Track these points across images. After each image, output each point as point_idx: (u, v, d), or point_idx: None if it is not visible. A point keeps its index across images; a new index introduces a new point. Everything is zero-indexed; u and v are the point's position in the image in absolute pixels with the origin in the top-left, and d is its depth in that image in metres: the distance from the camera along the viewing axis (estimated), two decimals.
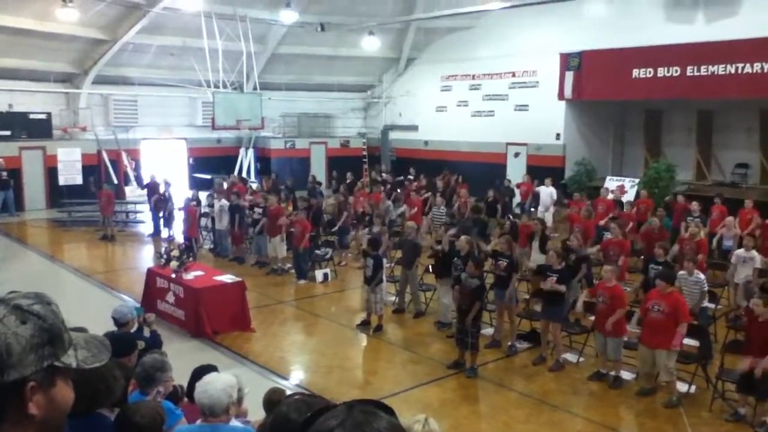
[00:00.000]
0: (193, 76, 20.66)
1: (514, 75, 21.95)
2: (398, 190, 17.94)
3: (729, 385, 7.18)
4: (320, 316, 10.75)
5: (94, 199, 17.26)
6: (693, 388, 7.61)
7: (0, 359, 1.13)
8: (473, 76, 23.22)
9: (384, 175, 20.98)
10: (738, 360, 7.19)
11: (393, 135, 26.37)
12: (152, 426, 2.96)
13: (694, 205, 13.38)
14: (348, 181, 18.97)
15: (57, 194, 19.79)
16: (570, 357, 8.69)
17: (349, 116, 27.01)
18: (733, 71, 16.22)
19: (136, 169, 21.71)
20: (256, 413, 4.44)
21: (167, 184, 16.54)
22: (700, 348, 8.09)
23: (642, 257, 11.52)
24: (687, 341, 7.88)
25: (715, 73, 16.53)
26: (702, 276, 8.92)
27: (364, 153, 26.22)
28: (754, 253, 10.08)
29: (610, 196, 15.20)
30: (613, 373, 7.93)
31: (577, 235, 10.21)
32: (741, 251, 10.19)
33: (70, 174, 20.24)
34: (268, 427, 2.01)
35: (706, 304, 9.00)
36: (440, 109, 24.44)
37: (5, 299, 1.20)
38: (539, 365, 8.49)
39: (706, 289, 8.86)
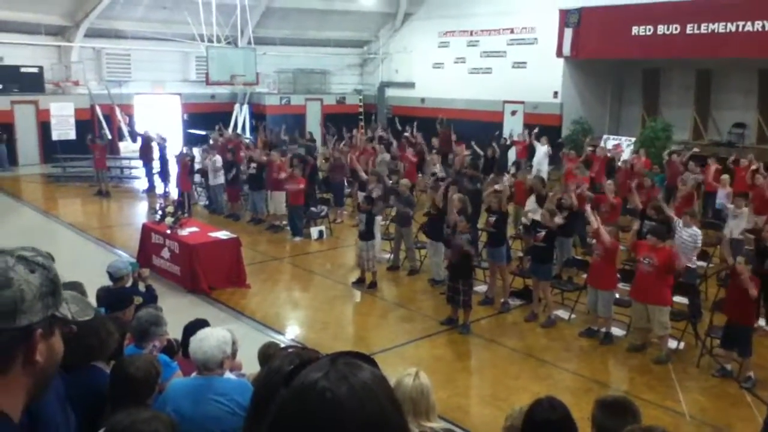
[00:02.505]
0: (186, 30, 20.33)
1: (512, 32, 21.65)
2: (394, 147, 17.83)
3: (717, 342, 7.29)
4: (315, 273, 10.81)
5: (87, 154, 17.16)
6: (682, 345, 7.74)
7: (14, 304, 1.16)
8: (471, 32, 22.91)
9: (380, 131, 20.83)
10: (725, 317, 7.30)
11: (389, 92, 26.13)
12: (147, 378, 3.00)
13: (692, 165, 13.37)
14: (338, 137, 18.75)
15: (50, 149, 19.64)
16: (562, 314, 8.79)
17: (345, 73, 26.71)
18: (733, 29, 16.02)
19: (130, 124, 21.54)
20: (252, 367, 4.51)
21: (161, 140, 16.44)
22: (690, 306, 8.20)
23: (630, 215, 11.56)
24: (677, 299, 7.99)
25: (716, 31, 16.33)
26: (698, 230, 8.89)
27: (361, 110, 26.02)
28: (745, 210, 10.13)
29: (609, 155, 15.20)
30: (603, 329, 8.04)
31: (571, 193, 10.20)
32: (733, 207, 10.27)
33: (64, 129, 20.05)
34: (262, 379, 2.03)
35: (695, 263, 9.02)
36: (437, 65, 24.17)
37: (7, 250, 1.24)
38: (531, 322, 8.60)
39: (699, 244, 8.86)
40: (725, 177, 12.28)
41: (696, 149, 14.90)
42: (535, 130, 17.69)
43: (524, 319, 8.70)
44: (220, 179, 14.31)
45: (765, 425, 5.81)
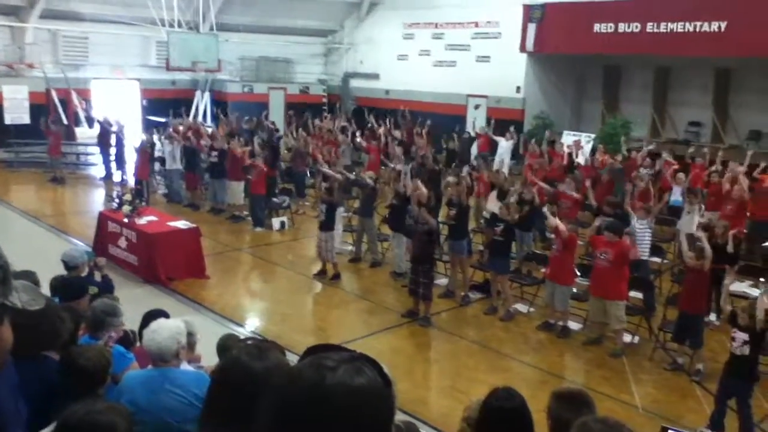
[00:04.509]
0: (146, 13, 19.85)
1: (477, 25, 21.75)
2: (358, 139, 17.79)
3: (670, 336, 7.48)
4: (276, 264, 10.74)
5: (42, 139, 16.69)
6: (636, 339, 7.92)
7: None
8: (436, 24, 22.94)
9: (343, 121, 20.76)
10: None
11: (354, 83, 26.02)
12: (97, 369, 2.94)
13: (647, 161, 13.66)
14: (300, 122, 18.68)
15: (3, 133, 19.02)
16: (521, 307, 8.91)
17: (310, 62, 26.46)
18: (691, 29, 16.39)
19: (87, 109, 20.99)
20: (211, 359, 4.45)
21: (119, 126, 16.09)
22: (644, 300, 8.39)
23: (590, 211, 11.77)
24: (632, 294, 8.16)
25: (675, 30, 16.69)
26: (649, 224, 9.10)
27: (324, 100, 25.86)
28: (699, 206, 10.35)
29: (567, 150, 15.42)
30: (561, 323, 8.18)
31: (530, 188, 10.33)
32: (686, 203, 10.48)
33: (17, 113, 19.42)
34: (219, 369, 2.02)
35: (647, 256, 9.21)
36: (402, 57, 24.16)
37: None
38: (491, 315, 8.69)
39: (647, 237, 9.07)
40: (681, 175, 12.56)
41: (651, 146, 15.13)
42: (488, 125, 17.82)
43: (484, 312, 8.79)
44: (177, 165, 14.09)
45: (712, 416, 6.01)
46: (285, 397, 1.06)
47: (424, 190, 8.77)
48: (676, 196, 12.19)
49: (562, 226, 7.98)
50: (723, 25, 15.86)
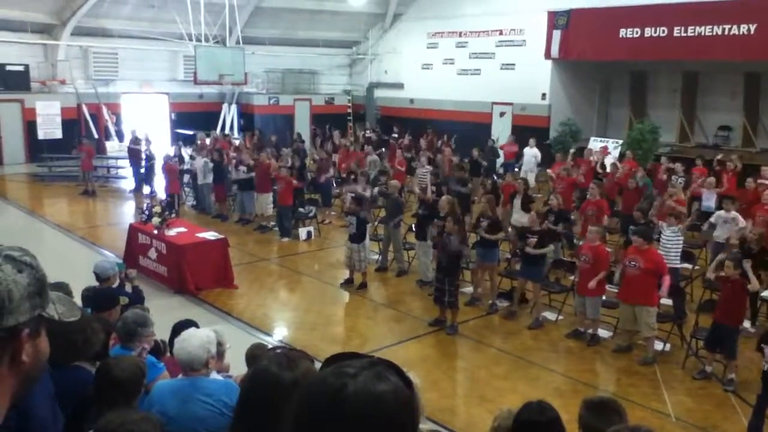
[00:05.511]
0: (174, 29, 20.21)
1: (501, 33, 21.71)
2: (383, 149, 17.85)
3: (702, 344, 7.34)
4: (303, 274, 10.79)
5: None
6: (668, 347, 7.79)
7: (2, 304, 1.14)
8: (460, 33, 22.96)
9: (369, 132, 20.87)
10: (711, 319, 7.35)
11: (378, 93, 26.14)
12: (132, 380, 2.97)
13: (678, 167, 13.46)
14: (326, 136, 18.80)
15: (36, 148, 19.47)
16: (549, 315, 8.83)
17: (334, 73, 26.66)
18: (720, 32, 16.15)
19: (117, 123, 21.38)
20: (240, 369, 4.48)
21: (148, 140, 16.34)
22: (675, 307, 8.25)
23: (617, 218, 11.65)
24: (663, 301, 8.03)
25: (702, 34, 16.46)
26: (679, 230, 8.96)
27: (349, 110, 26.01)
28: (736, 214, 10.05)
29: (593, 158, 15.25)
30: (590, 331, 8.08)
31: (557, 195, 10.25)
32: (722, 212, 10.16)
33: (50, 128, 19.89)
34: (248, 378, 2.04)
35: (680, 264, 9.08)
36: (426, 66, 24.21)
37: None
38: (510, 320, 8.67)
39: (680, 243, 8.95)
40: (711, 180, 12.36)
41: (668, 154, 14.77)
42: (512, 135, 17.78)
43: (502, 316, 8.77)
44: (209, 179, 14.25)
45: (749, 425, 5.87)
46: (307, 405, 1.06)
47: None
48: (706, 201, 12.00)
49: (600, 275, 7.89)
50: (752, 27, 15.61)
